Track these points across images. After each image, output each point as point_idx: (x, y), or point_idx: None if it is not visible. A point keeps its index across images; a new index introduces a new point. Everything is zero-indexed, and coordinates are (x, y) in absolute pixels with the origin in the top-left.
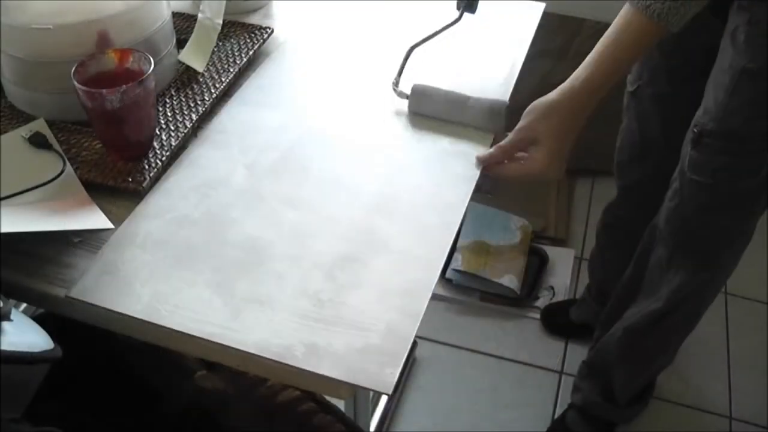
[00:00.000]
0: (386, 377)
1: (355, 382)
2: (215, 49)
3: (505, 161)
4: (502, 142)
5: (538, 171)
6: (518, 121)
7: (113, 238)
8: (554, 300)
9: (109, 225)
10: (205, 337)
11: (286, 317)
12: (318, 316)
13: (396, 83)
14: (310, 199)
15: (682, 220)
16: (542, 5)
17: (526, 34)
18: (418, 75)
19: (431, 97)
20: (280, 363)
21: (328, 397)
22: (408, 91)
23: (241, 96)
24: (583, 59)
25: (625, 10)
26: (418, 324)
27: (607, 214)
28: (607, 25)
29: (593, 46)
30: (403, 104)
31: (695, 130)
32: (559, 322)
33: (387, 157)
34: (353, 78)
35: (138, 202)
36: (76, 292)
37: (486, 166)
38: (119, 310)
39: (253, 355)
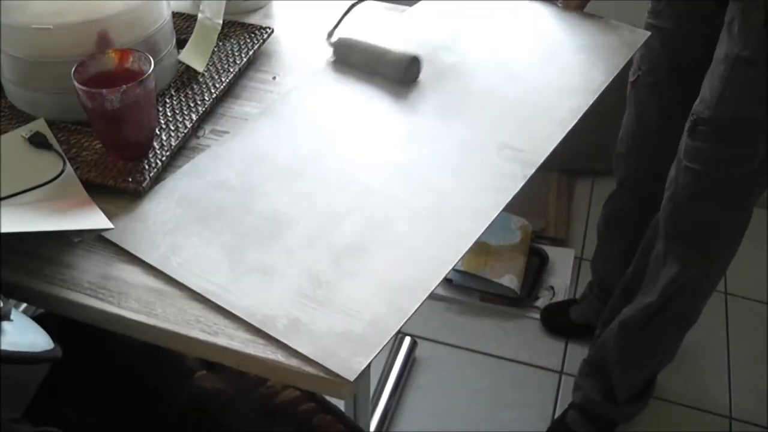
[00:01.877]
0: (354, 365)
1: (322, 362)
2: (215, 49)
3: None
4: None
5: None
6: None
7: (155, 190)
8: (554, 300)
9: (109, 225)
10: (201, 293)
11: (281, 290)
12: (311, 295)
13: (329, 35)
14: (344, 184)
15: (675, 208)
16: (647, 33)
17: (617, 61)
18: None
19: (353, 48)
20: (260, 330)
21: (328, 397)
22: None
23: (326, 72)
24: None
25: None
26: (404, 321)
27: (607, 207)
28: None
29: None
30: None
31: (692, 118)
32: (559, 322)
33: (434, 157)
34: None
35: (138, 202)
36: (106, 233)
37: None
38: (138, 255)
39: (240, 319)
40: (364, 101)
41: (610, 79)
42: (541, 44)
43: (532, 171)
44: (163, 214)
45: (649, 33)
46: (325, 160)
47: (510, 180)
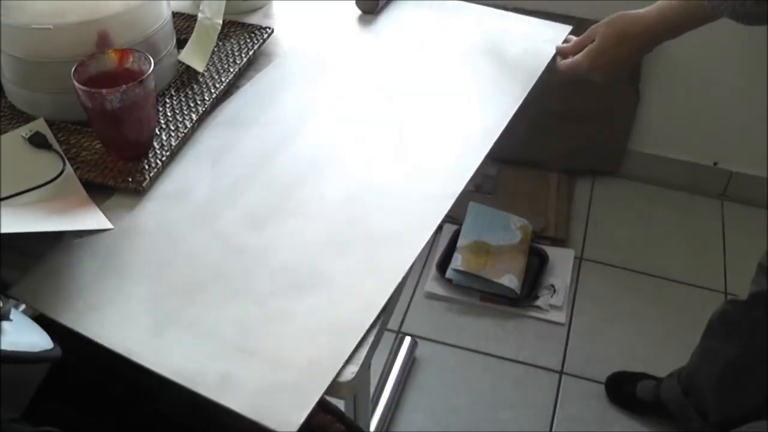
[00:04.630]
0: (292, 418)
1: (259, 420)
2: (215, 49)
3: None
4: (572, 40)
5: (577, 65)
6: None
7: (65, 243)
8: (554, 299)
9: (109, 225)
10: (123, 353)
11: (208, 342)
12: (240, 345)
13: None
14: (264, 222)
15: None
16: (568, 27)
17: (541, 60)
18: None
19: None
20: (190, 390)
21: (328, 397)
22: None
23: (227, 110)
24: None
25: None
26: (342, 362)
27: (726, 307)
28: None
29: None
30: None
31: None
32: (626, 392)
33: (362, 174)
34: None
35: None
36: (16, 291)
37: (560, 55)
38: (53, 316)
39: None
40: (271, 139)
41: (533, 84)
42: (467, 53)
43: (460, 188)
44: (76, 267)
45: (570, 27)
46: (243, 197)
47: (435, 200)
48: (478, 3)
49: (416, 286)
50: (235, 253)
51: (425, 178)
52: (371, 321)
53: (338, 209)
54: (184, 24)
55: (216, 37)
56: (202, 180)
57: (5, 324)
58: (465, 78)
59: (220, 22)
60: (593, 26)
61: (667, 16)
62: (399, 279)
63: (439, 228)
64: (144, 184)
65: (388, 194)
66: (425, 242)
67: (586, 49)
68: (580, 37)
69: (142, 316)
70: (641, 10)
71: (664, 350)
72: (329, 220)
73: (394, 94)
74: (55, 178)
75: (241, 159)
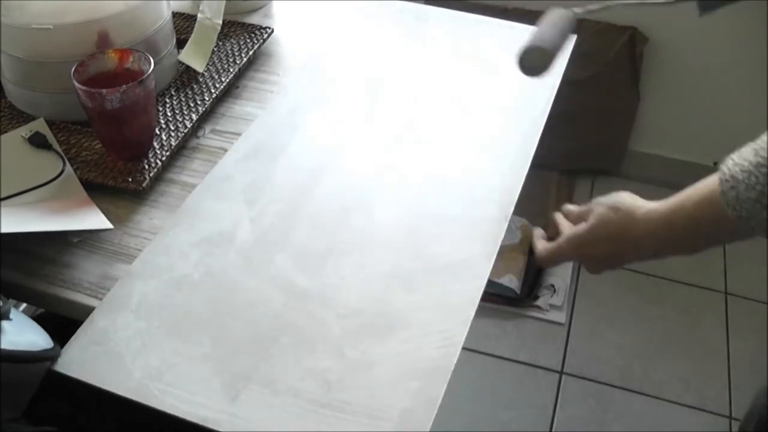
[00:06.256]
0: None
1: None
2: (215, 49)
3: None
4: (574, 208)
5: (559, 252)
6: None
7: (105, 301)
8: (554, 297)
9: (109, 225)
10: (198, 422)
11: (290, 401)
12: (325, 401)
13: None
14: (321, 261)
15: None
16: (573, 36)
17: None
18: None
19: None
20: None
21: None
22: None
23: (246, 139)
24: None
25: (708, 188)
26: (435, 411)
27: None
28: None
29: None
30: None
31: None
32: None
33: (411, 201)
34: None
35: (138, 202)
36: (62, 366)
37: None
38: (108, 388)
39: None
40: (303, 168)
41: (556, 90)
42: (466, 62)
43: (511, 209)
44: (123, 330)
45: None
46: (291, 237)
47: (489, 223)
48: (479, 3)
49: None
50: (297, 298)
51: (474, 201)
52: (455, 359)
53: (393, 241)
54: (184, 24)
55: (216, 37)
56: (242, 220)
57: (5, 324)
58: (480, 91)
59: (220, 22)
60: (593, 203)
61: (672, 225)
62: (472, 312)
63: None
64: (144, 184)
65: (441, 221)
66: (489, 271)
67: (571, 233)
68: (574, 208)
69: (211, 379)
70: (650, 206)
71: (664, 350)
72: (386, 253)
73: (420, 109)
74: (55, 178)
75: (276, 194)
